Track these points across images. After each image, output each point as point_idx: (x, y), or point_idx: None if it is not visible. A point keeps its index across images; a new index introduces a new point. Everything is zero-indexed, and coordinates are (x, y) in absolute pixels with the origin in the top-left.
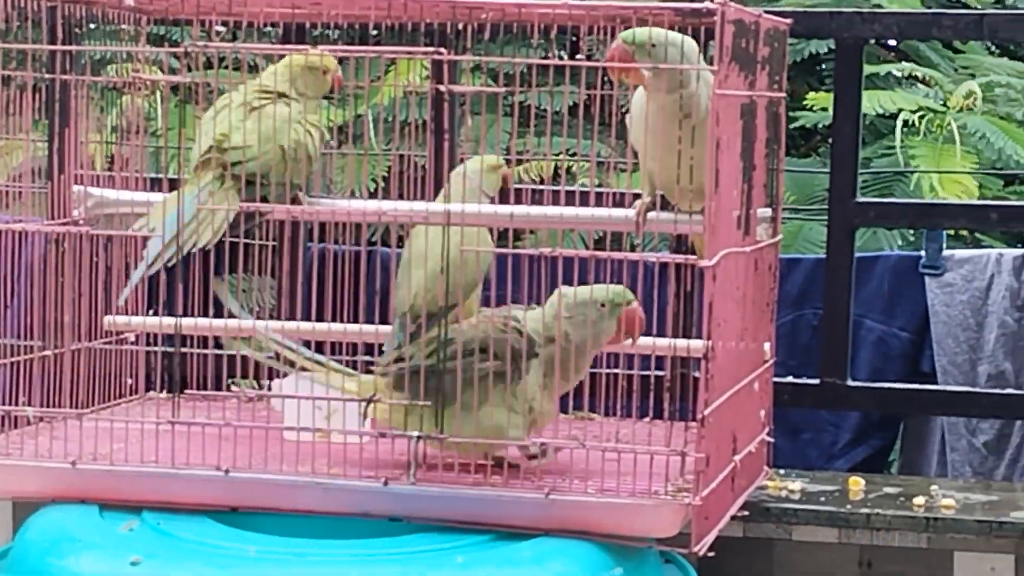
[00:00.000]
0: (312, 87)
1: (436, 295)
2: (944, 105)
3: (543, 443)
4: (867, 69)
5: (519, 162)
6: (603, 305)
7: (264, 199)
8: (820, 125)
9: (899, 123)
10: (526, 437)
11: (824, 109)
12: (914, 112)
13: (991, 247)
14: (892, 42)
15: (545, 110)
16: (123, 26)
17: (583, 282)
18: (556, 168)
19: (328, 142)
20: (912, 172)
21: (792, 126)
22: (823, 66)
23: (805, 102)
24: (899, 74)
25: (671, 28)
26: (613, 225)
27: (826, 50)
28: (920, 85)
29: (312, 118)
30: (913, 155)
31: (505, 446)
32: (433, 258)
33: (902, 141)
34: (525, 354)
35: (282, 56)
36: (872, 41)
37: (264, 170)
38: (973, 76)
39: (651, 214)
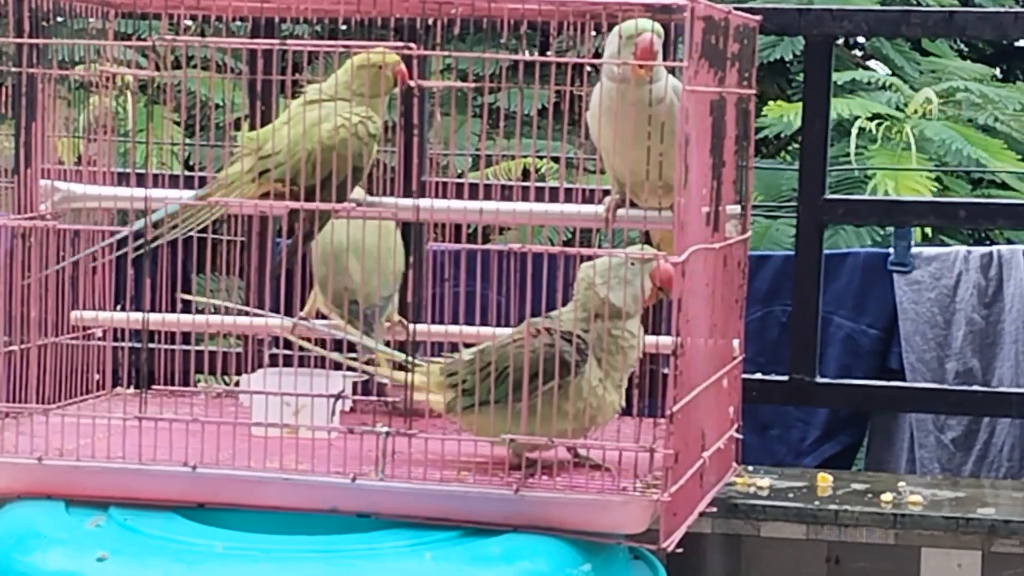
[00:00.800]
0: (370, 85)
1: (376, 287)
2: (902, 111)
3: (512, 438)
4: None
5: (488, 164)
6: (633, 263)
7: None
8: (783, 134)
9: (854, 131)
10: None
11: (781, 117)
12: (871, 119)
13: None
14: (861, 39)
15: (515, 111)
16: (90, 20)
17: (552, 280)
18: (525, 168)
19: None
20: (871, 169)
21: (757, 136)
22: (792, 66)
23: (765, 112)
24: (861, 79)
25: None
26: (583, 221)
27: (791, 56)
28: (883, 90)
29: (358, 115)
30: (870, 159)
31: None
32: (370, 250)
33: (859, 148)
34: (575, 362)
35: (251, 51)
36: (841, 41)
37: (294, 173)
38: (939, 79)
39: (620, 211)
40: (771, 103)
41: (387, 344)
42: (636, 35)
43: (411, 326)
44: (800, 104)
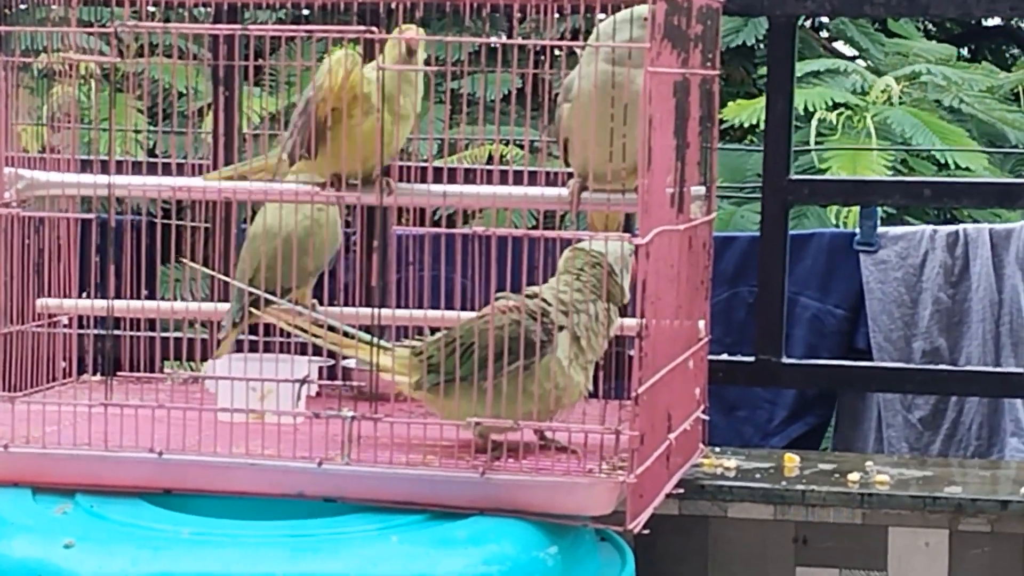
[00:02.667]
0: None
1: (282, 272)
2: (865, 96)
3: (478, 421)
4: None
5: (452, 150)
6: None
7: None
8: (747, 123)
9: (814, 122)
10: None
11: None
12: (832, 108)
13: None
14: (826, 20)
15: (479, 96)
16: (53, 7)
17: (517, 263)
18: (490, 155)
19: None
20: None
21: (721, 125)
22: (757, 50)
23: (724, 114)
24: (821, 68)
25: (603, 7)
26: (547, 204)
27: (754, 40)
28: (844, 75)
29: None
30: (827, 157)
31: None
32: (280, 234)
33: (820, 139)
34: (539, 342)
35: (215, 37)
36: (808, 23)
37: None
38: (906, 60)
39: (584, 193)
40: (730, 104)
41: (191, 323)
42: None
43: (377, 310)
44: (759, 99)
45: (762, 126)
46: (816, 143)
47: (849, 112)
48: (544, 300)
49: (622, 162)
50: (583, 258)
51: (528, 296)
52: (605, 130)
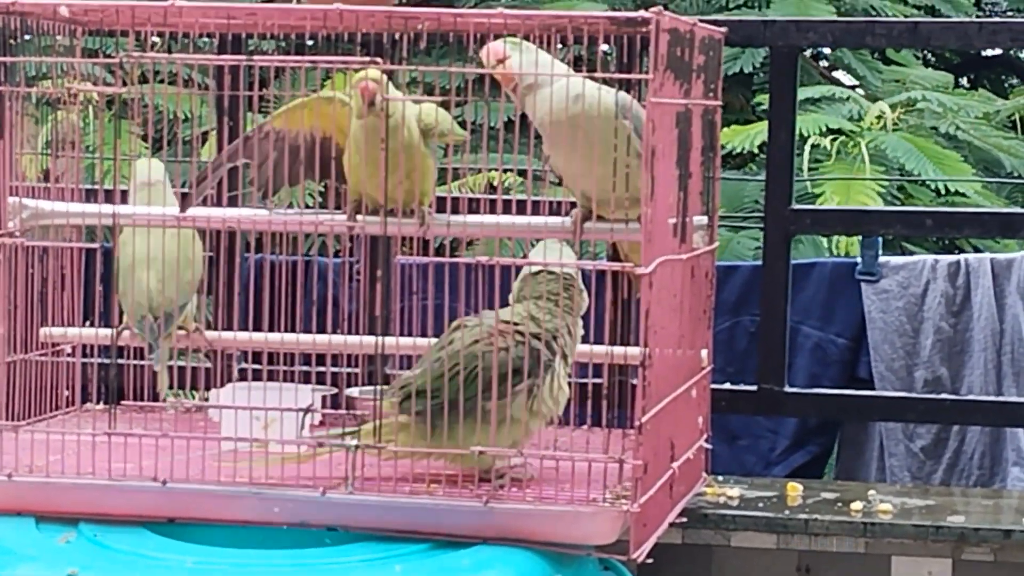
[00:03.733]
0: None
1: (168, 297)
2: (859, 123)
3: (481, 451)
4: None
5: (455, 177)
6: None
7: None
8: (745, 149)
9: (807, 148)
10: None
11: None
12: (827, 134)
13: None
14: (825, 50)
15: (480, 125)
16: (58, 37)
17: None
18: (491, 183)
19: None
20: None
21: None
22: (756, 78)
23: (724, 140)
24: (815, 95)
25: (606, 37)
26: (550, 233)
27: (751, 68)
28: (841, 102)
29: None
30: (820, 183)
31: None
32: (161, 260)
33: (813, 165)
34: (544, 363)
35: (218, 66)
36: (807, 53)
37: None
38: (903, 87)
39: (587, 223)
40: (726, 129)
41: (183, 351)
42: None
43: (380, 339)
44: (757, 125)
45: (758, 153)
46: (810, 169)
47: (844, 138)
48: (535, 321)
49: (620, 191)
50: (556, 283)
51: (508, 321)
52: (578, 163)
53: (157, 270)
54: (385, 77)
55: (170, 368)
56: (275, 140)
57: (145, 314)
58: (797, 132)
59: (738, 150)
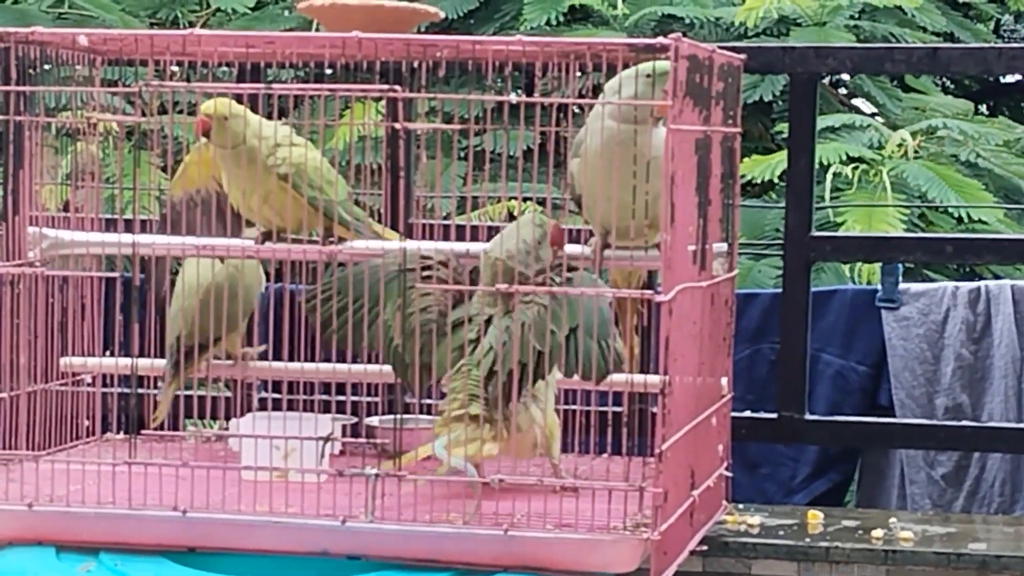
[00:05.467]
0: None
1: (203, 326)
2: (879, 151)
3: (502, 478)
4: None
5: (474, 206)
6: (539, 226)
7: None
8: (765, 178)
9: (829, 176)
10: None
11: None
12: (848, 163)
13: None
14: (844, 77)
15: (499, 153)
16: (77, 67)
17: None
18: (511, 211)
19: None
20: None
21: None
22: (775, 105)
23: (743, 171)
24: (836, 124)
25: (626, 64)
26: (570, 261)
27: (771, 96)
28: (861, 131)
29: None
30: (842, 211)
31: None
32: (199, 289)
33: (835, 194)
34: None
35: (238, 95)
36: (826, 79)
37: None
38: (922, 115)
39: (607, 251)
40: (746, 159)
41: (215, 381)
42: (662, 73)
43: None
44: (777, 155)
45: (778, 181)
46: (832, 198)
47: (865, 166)
48: None
49: (639, 218)
50: None
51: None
52: (615, 185)
53: (191, 300)
54: (235, 107)
55: (189, 398)
56: (189, 203)
57: (172, 343)
58: (817, 160)
59: (758, 180)
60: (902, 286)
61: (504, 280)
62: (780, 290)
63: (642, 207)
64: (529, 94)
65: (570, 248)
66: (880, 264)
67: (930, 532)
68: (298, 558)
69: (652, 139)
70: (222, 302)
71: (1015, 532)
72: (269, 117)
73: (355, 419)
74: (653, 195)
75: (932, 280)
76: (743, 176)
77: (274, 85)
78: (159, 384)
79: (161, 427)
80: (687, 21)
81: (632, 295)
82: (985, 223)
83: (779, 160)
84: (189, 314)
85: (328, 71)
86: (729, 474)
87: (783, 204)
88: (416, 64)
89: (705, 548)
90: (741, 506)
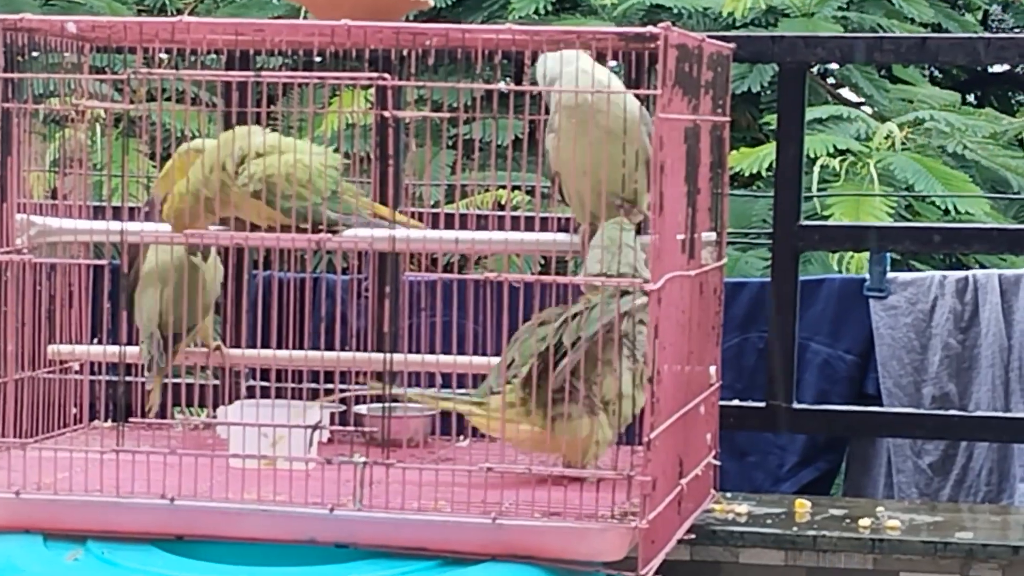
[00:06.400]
0: None
1: (177, 316)
2: (867, 143)
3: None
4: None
5: (463, 195)
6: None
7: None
8: (750, 172)
9: (816, 168)
10: None
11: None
12: (835, 155)
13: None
14: (833, 66)
15: (488, 142)
16: (65, 54)
17: (528, 308)
18: (499, 200)
19: None
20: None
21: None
22: (763, 95)
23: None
24: (823, 115)
25: (615, 53)
26: (558, 250)
27: (759, 87)
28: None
29: None
30: (830, 203)
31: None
32: (167, 279)
33: (822, 186)
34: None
35: (226, 83)
36: (814, 69)
37: None
38: (910, 105)
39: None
40: (734, 152)
41: (191, 369)
42: None
43: (389, 356)
44: (765, 147)
45: (766, 173)
46: (819, 190)
47: (852, 158)
48: None
49: (615, 189)
50: None
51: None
52: (587, 156)
53: (168, 289)
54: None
55: (177, 386)
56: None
57: (153, 331)
58: (806, 153)
59: (747, 173)
60: (890, 275)
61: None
62: (769, 279)
63: (618, 177)
64: (518, 83)
65: (559, 236)
66: (868, 254)
67: (917, 521)
68: (286, 546)
69: (624, 105)
70: (196, 289)
71: (1002, 521)
72: (258, 105)
73: (343, 407)
74: (630, 165)
75: (920, 270)
76: (731, 168)
77: (263, 73)
78: (145, 374)
79: (149, 415)
80: (675, 11)
81: (622, 284)
82: (972, 215)
83: (767, 153)
84: (165, 303)
85: (317, 59)
86: (717, 463)
87: (771, 194)
88: (405, 52)
89: (693, 536)
90: (729, 495)
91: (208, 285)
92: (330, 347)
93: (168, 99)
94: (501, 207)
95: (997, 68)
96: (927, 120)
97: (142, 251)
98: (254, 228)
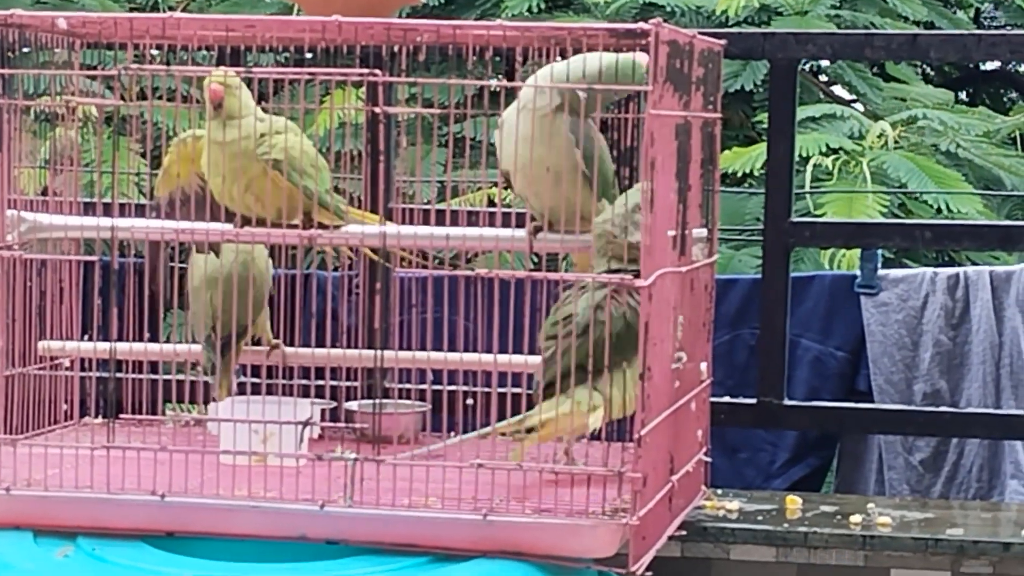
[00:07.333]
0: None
1: (229, 317)
2: (860, 142)
3: (481, 463)
4: None
5: (454, 192)
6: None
7: None
8: (743, 171)
9: (809, 167)
10: None
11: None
12: (828, 154)
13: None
14: (825, 63)
15: (480, 140)
16: (56, 51)
17: (519, 303)
18: (490, 198)
19: None
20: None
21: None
22: (756, 93)
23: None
24: (817, 114)
25: (606, 49)
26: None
27: (752, 85)
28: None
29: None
30: (822, 202)
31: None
32: (220, 280)
33: (815, 184)
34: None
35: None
36: (805, 66)
37: None
38: (903, 103)
39: (541, 234)
40: (726, 152)
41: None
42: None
43: (380, 352)
44: (756, 147)
45: (758, 172)
46: (812, 188)
47: (845, 157)
48: None
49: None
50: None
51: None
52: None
53: (223, 290)
54: (239, 82)
55: (168, 382)
56: (173, 203)
57: (210, 333)
58: (798, 151)
59: (740, 173)
60: (881, 272)
61: (603, 245)
62: (760, 276)
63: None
64: (510, 80)
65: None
66: (859, 252)
67: (908, 518)
68: (276, 542)
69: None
70: (247, 289)
71: (992, 518)
72: None
73: (334, 403)
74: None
75: (911, 267)
76: (724, 168)
77: (254, 69)
78: (196, 370)
79: (140, 411)
80: (668, 9)
81: (612, 280)
82: (965, 213)
83: (759, 152)
84: (216, 306)
85: (308, 55)
86: (708, 459)
87: (763, 191)
88: (397, 49)
89: (684, 533)
90: (720, 491)
91: (259, 280)
92: (321, 343)
93: (159, 96)
94: (492, 204)
95: (989, 65)
96: (920, 118)
97: (158, 251)
98: (245, 222)
